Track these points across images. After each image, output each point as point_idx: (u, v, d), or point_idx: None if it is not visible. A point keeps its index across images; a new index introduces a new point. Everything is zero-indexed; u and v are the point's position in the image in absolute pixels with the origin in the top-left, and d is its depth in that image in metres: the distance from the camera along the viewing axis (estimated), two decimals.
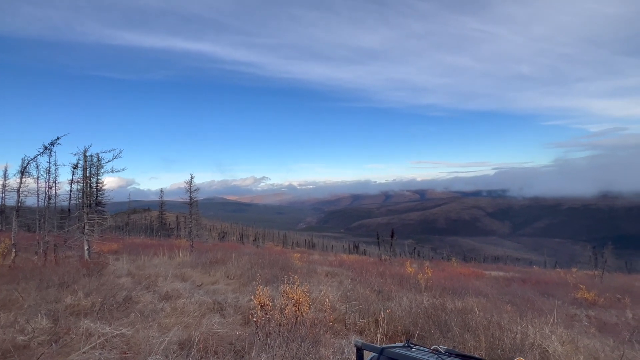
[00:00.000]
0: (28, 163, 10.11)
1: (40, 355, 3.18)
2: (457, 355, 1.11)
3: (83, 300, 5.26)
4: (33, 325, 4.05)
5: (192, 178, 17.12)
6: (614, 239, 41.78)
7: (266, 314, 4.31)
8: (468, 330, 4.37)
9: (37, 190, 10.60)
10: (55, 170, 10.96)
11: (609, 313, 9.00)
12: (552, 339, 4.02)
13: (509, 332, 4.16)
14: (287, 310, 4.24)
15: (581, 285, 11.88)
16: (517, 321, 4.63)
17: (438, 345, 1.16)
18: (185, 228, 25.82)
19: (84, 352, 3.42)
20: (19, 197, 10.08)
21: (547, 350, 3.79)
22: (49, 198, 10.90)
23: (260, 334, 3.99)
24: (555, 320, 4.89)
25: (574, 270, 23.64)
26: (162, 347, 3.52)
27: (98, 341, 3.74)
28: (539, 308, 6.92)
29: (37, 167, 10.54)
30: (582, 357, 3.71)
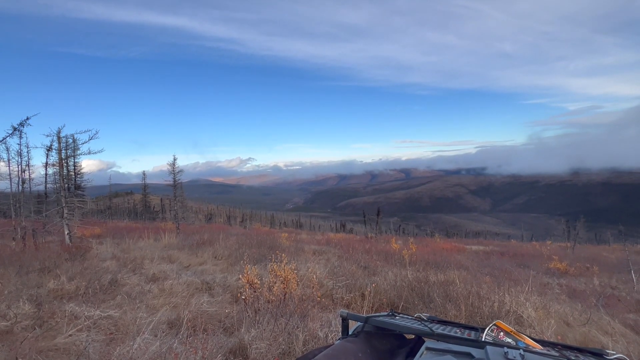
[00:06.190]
0: None
1: (24, 340, 3.13)
2: (439, 321, 1.15)
3: (67, 284, 5.16)
4: (15, 311, 3.96)
5: (175, 160, 16.70)
6: (586, 213, 44.13)
7: (255, 292, 4.37)
8: (449, 301, 4.58)
9: (9, 174, 10.10)
10: (27, 152, 10.41)
11: (579, 281, 9.63)
12: (527, 305, 4.28)
13: (487, 301, 4.39)
14: (276, 288, 4.31)
15: (554, 257, 12.61)
16: (495, 291, 4.89)
17: (420, 314, 1.20)
18: (170, 211, 25.47)
19: (69, 335, 3.39)
20: None
21: (522, 316, 4.05)
22: (23, 182, 10.42)
23: (249, 311, 4.06)
24: (530, 289, 5.19)
25: (549, 242, 25.01)
26: (150, 327, 3.53)
27: (85, 323, 3.72)
28: (515, 278, 7.31)
29: (7, 149, 9.98)
30: (553, 321, 3.98)
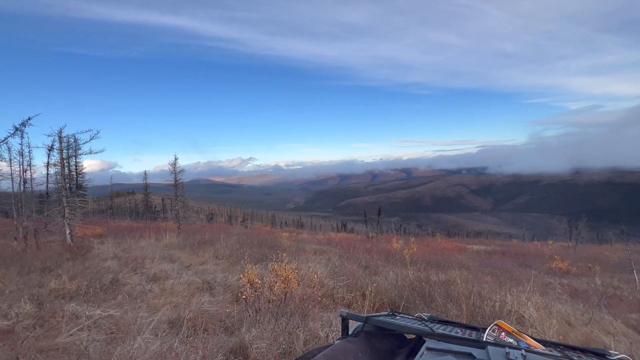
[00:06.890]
0: None
1: (25, 339, 3.13)
2: (440, 321, 1.14)
3: (68, 284, 5.17)
4: (16, 310, 3.97)
5: (176, 160, 16.73)
6: (588, 213, 43.97)
7: (255, 291, 4.37)
8: (451, 300, 4.57)
9: (11, 174, 10.13)
10: (29, 152, 10.45)
11: (580, 280, 9.59)
12: (528, 305, 4.26)
13: (488, 301, 4.38)
14: (276, 287, 4.31)
15: (556, 256, 12.56)
16: (497, 290, 4.87)
17: (421, 313, 1.19)
18: (171, 210, 25.50)
19: (70, 334, 3.39)
20: None
21: (524, 316, 4.03)
22: (25, 182, 10.45)
23: (250, 310, 4.06)
24: (532, 289, 5.17)
25: (550, 242, 24.93)
26: (151, 327, 3.53)
27: (85, 323, 3.72)
28: (517, 278, 7.28)
29: (9, 149, 10.02)
30: (554, 321, 3.96)
